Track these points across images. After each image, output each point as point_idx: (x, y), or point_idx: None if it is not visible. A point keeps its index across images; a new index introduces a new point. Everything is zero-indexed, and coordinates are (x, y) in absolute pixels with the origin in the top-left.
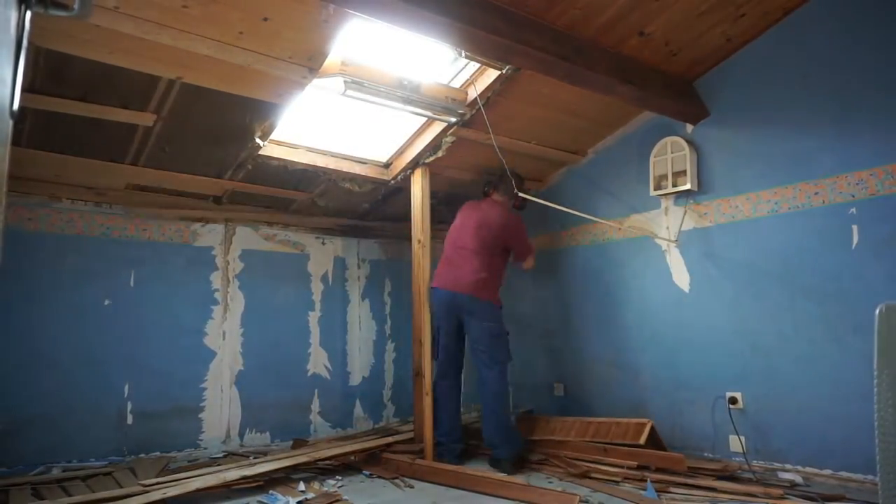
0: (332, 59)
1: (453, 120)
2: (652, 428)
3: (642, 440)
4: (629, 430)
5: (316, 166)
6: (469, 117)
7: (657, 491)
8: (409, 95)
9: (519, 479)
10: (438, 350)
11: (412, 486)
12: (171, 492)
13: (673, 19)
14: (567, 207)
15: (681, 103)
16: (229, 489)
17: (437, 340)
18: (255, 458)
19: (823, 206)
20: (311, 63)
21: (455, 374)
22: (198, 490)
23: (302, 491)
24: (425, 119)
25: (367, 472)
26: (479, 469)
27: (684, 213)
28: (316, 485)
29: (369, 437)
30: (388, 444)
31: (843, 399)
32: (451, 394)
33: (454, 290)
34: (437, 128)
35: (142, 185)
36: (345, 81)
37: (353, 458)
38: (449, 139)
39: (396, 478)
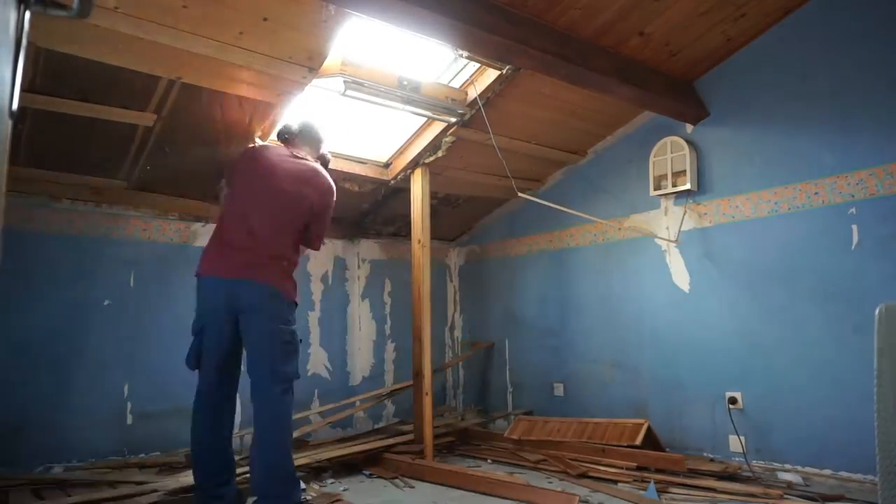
0: (332, 59)
1: (453, 120)
2: (649, 428)
3: (638, 441)
4: (626, 431)
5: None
6: (469, 117)
7: (657, 491)
8: (409, 95)
9: (519, 478)
10: (197, 359)
11: (412, 486)
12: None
13: (673, 19)
14: (567, 207)
15: (681, 103)
16: None
17: (197, 347)
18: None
19: (823, 206)
20: (310, 63)
21: (226, 392)
22: None
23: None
24: (425, 119)
25: (368, 472)
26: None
27: (684, 214)
28: (316, 485)
29: (369, 438)
30: (389, 446)
31: (843, 399)
32: (219, 418)
33: (233, 277)
34: (437, 128)
35: (142, 185)
36: (345, 81)
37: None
38: (449, 139)
39: (396, 477)
